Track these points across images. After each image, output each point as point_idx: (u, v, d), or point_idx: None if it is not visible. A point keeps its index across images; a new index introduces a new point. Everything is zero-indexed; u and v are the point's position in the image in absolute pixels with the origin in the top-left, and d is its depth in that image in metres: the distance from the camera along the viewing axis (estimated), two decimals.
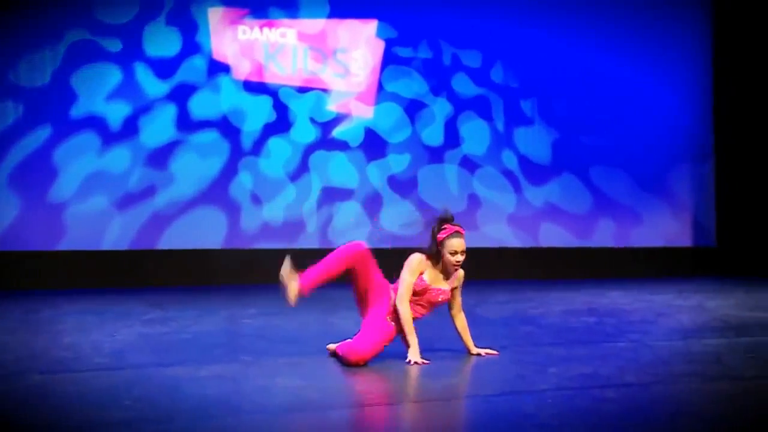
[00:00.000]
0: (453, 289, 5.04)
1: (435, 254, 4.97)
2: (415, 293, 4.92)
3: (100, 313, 6.92)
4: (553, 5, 11.19)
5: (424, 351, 4.75)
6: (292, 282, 4.86)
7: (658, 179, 11.63)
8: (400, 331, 4.90)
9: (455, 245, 4.93)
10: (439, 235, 4.98)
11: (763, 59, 11.29)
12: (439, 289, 4.97)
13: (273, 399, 3.91)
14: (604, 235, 11.46)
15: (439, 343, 5.24)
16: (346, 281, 4.95)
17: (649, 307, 7.56)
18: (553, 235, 11.22)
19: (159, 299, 7.95)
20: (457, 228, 4.99)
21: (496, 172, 10.99)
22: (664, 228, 11.63)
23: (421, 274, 4.95)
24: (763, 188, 11.31)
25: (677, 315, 7.05)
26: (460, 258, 4.94)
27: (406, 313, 4.85)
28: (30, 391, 4.05)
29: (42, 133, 9.12)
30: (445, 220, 5.05)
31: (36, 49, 9.12)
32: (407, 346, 4.84)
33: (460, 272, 5.04)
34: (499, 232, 10.98)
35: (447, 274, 5.00)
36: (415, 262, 4.97)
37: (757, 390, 4.30)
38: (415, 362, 4.77)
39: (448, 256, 4.92)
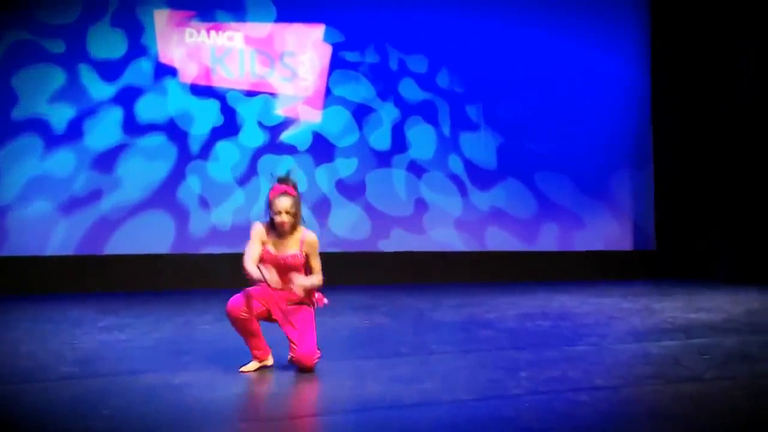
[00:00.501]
0: (307, 255, 4.88)
1: (271, 220, 4.87)
2: (273, 266, 4.76)
3: (54, 321, 6.81)
4: (498, 10, 11.38)
5: (392, 356, 4.81)
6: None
7: (599, 184, 11.88)
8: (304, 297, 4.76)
9: (277, 205, 4.82)
10: (269, 196, 4.93)
11: (700, 66, 11.66)
12: (287, 256, 4.81)
13: (256, 407, 3.93)
14: (548, 239, 11.69)
15: (406, 348, 5.31)
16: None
17: (600, 310, 7.76)
18: (499, 239, 11.41)
19: (111, 305, 7.84)
20: (285, 188, 4.89)
21: (443, 176, 11.12)
22: (605, 232, 11.89)
23: (265, 245, 4.81)
24: (700, 193, 11.69)
25: (628, 318, 7.26)
26: (284, 218, 4.77)
27: (254, 270, 4.61)
28: None
29: None
30: (278, 179, 4.99)
31: None
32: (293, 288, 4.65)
33: (310, 236, 4.91)
34: (446, 237, 11.11)
35: (291, 239, 4.84)
36: (254, 230, 4.87)
37: (719, 390, 4.49)
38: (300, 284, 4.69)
39: (275, 216, 4.83)
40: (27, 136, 9.14)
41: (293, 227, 4.85)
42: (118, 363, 5.06)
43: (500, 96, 11.40)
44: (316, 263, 4.96)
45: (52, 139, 9.26)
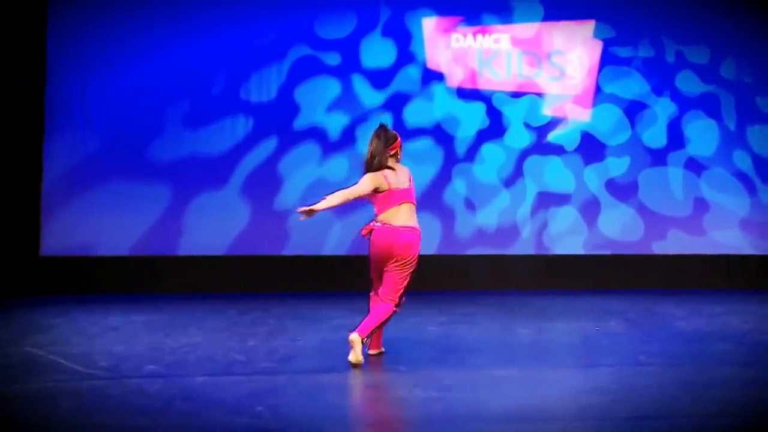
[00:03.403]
0: None
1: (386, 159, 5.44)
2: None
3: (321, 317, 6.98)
4: None
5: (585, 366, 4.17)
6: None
7: None
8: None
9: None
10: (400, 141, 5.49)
11: None
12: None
13: None
14: None
15: (612, 358, 4.60)
16: None
17: None
18: None
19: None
20: None
21: (727, 174, 9.99)
22: None
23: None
24: None
25: None
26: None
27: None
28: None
29: (269, 144, 9.41)
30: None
31: (263, 66, 9.42)
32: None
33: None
34: (730, 239, 9.97)
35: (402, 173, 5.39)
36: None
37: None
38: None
39: (400, 154, 5.53)
40: (307, 143, 9.52)
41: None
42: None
43: None
44: None
45: (329, 146, 9.57)
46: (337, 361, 5.01)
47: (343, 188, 5.47)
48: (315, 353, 5.29)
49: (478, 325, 6.57)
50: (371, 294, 5.43)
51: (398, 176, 5.32)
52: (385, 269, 5.17)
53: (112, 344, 5.61)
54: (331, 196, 5.28)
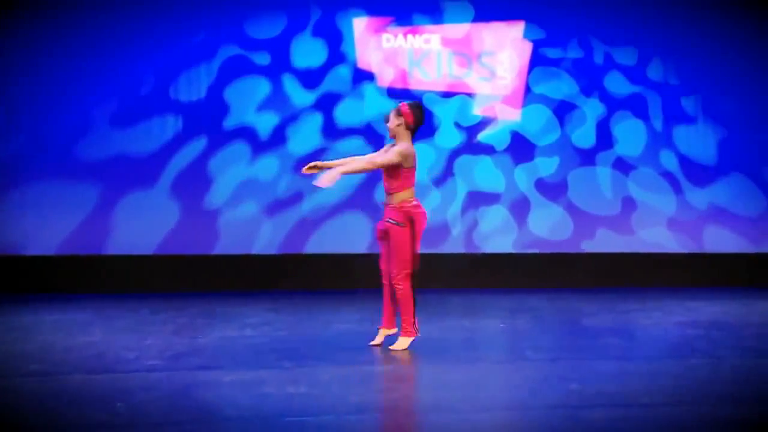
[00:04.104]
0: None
1: None
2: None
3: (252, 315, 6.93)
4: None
5: (471, 361, 4.18)
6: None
7: None
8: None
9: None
10: None
11: None
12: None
13: None
14: None
15: (500, 354, 4.64)
16: None
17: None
18: (720, 240, 10.08)
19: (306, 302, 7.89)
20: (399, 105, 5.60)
21: (654, 173, 10.05)
22: None
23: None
24: None
25: None
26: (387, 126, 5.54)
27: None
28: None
29: (199, 144, 9.34)
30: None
31: (192, 65, 9.36)
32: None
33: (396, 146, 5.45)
34: (657, 237, 10.03)
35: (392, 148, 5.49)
36: None
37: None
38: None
39: None
40: (237, 143, 9.45)
41: (393, 137, 5.51)
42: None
43: (721, 86, 10.07)
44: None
45: (259, 146, 9.50)
46: (224, 359, 4.98)
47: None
48: (208, 352, 5.25)
49: None
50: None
51: (414, 155, 5.50)
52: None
53: (12, 344, 5.55)
54: (353, 159, 5.37)
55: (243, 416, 3.70)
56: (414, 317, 5.32)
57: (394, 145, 5.49)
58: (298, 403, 3.93)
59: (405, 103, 5.65)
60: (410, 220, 5.24)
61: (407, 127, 5.46)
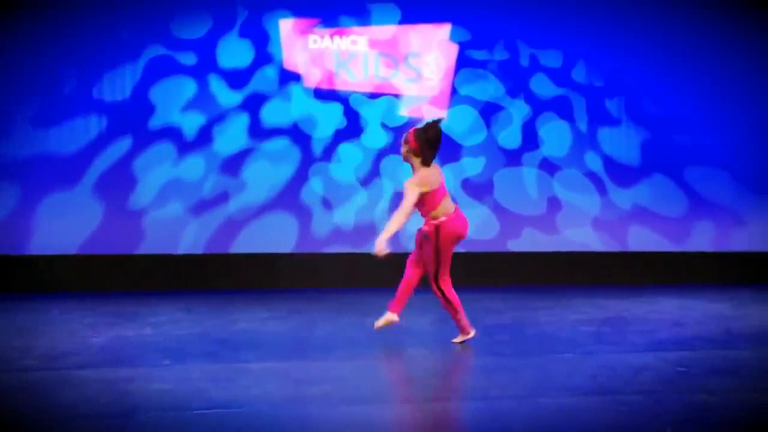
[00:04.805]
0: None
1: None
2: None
3: (195, 312, 6.90)
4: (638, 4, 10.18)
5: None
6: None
7: (761, 180, 10.31)
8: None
9: None
10: None
11: None
12: None
13: None
14: (702, 238, 10.29)
15: (377, 349, 4.63)
16: None
17: (677, 316, 6.53)
18: (643, 239, 10.19)
19: (234, 301, 7.84)
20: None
21: (579, 174, 10.13)
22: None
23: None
24: None
25: (693, 325, 6.01)
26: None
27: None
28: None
29: (123, 144, 9.28)
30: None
31: (116, 65, 9.28)
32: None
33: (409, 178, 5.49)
34: (582, 236, 10.11)
35: None
36: None
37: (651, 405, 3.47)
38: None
39: None
40: (162, 143, 9.38)
41: (407, 161, 5.54)
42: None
43: (644, 89, 10.16)
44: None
45: (184, 146, 9.43)
46: (104, 358, 4.93)
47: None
48: (93, 351, 5.20)
49: (288, 321, 6.55)
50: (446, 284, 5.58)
51: (435, 174, 5.54)
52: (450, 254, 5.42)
53: None
54: (390, 222, 5.41)
55: (94, 414, 3.67)
56: (460, 317, 5.58)
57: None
58: (158, 399, 3.91)
59: (413, 128, 5.66)
60: (436, 230, 5.39)
61: (416, 154, 5.44)
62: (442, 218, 5.39)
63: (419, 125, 5.66)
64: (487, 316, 6.79)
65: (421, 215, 5.53)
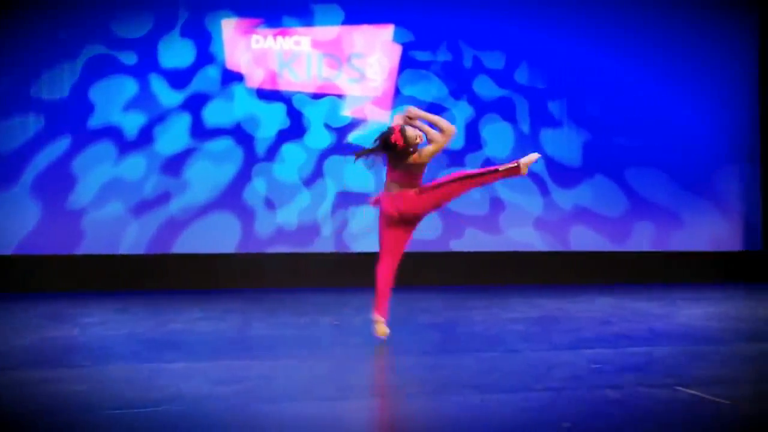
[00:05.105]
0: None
1: None
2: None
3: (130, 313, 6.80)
4: (582, 3, 10.30)
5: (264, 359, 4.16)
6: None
7: (701, 180, 10.44)
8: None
9: None
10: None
11: None
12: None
13: None
14: (642, 238, 10.42)
15: (318, 350, 4.62)
16: None
17: (605, 314, 6.59)
18: (585, 239, 10.30)
19: (175, 302, 7.77)
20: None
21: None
22: (708, 231, 10.41)
23: None
24: None
25: (617, 323, 6.09)
26: None
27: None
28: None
29: (62, 143, 9.16)
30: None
31: (55, 63, 9.17)
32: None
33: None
34: (525, 236, 10.19)
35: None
36: None
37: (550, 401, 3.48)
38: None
39: None
40: (102, 143, 9.29)
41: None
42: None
43: (586, 91, 10.29)
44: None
45: (125, 146, 9.34)
46: (20, 359, 4.86)
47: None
48: (16, 353, 5.12)
49: (220, 322, 6.51)
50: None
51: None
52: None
53: None
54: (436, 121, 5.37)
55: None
56: (376, 302, 5.41)
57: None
58: (70, 401, 3.86)
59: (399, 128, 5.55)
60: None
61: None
62: (380, 194, 5.42)
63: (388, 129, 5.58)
64: (422, 315, 6.82)
65: (402, 186, 5.49)
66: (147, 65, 9.24)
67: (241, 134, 9.44)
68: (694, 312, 6.82)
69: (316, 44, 9.62)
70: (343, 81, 9.65)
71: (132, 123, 9.21)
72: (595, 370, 4.26)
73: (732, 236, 10.25)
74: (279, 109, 9.56)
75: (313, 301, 7.99)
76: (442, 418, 3.47)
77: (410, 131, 5.27)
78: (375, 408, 3.68)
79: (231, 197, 9.39)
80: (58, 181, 9.03)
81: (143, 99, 9.23)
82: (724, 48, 10.30)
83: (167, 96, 9.30)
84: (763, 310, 6.98)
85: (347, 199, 9.63)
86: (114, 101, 9.18)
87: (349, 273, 9.66)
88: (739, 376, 4.27)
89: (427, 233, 9.84)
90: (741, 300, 7.62)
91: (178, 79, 9.32)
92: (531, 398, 3.70)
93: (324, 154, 9.64)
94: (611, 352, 4.85)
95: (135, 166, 9.21)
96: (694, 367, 4.38)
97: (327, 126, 9.64)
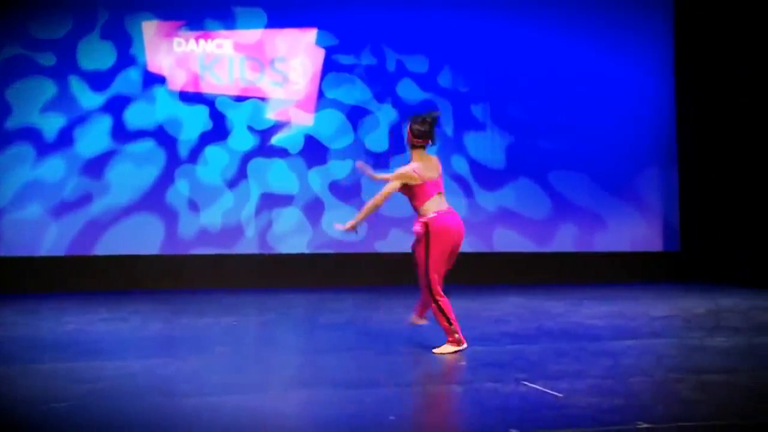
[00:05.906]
0: None
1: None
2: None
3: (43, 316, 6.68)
4: (504, 8, 10.37)
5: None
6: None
7: (621, 183, 10.50)
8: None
9: None
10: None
11: (726, 65, 10.04)
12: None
13: None
14: (565, 240, 10.50)
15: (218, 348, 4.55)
16: None
17: (517, 312, 6.68)
18: (509, 241, 10.35)
19: (97, 303, 7.68)
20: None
21: (445, 177, 10.23)
22: (629, 232, 10.50)
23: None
24: (726, 194, 10.09)
25: (518, 321, 6.15)
26: None
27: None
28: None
29: None
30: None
31: None
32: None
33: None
34: None
35: None
36: None
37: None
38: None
39: None
40: (20, 144, 9.16)
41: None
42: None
43: (509, 95, 10.35)
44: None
45: (44, 147, 9.22)
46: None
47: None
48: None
49: (120, 323, 6.45)
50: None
51: (429, 168, 5.08)
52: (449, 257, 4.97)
53: None
54: (363, 207, 5.16)
55: None
56: (451, 326, 5.01)
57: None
58: None
59: (413, 116, 5.34)
60: (426, 230, 5.00)
61: (413, 145, 5.18)
62: (431, 215, 5.01)
63: (418, 115, 5.31)
64: (324, 314, 6.82)
65: (415, 211, 5.11)
66: (66, 67, 9.15)
67: (163, 136, 9.38)
68: (592, 311, 6.89)
69: (238, 47, 9.59)
70: (266, 84, 9.63)
71: (51, 125, 9.10)
72: (457, 367, 4.27)
73: (652, 237, 10.36)
74: (202, 111, 9.51)
75: (227, 302, 7.95)
76: (299, 410, 3.45)
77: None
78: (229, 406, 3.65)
79: (154, 199, 9.32)
80: None
81: (62, 101, 9.12)
82: (643, 51, 10.41)
83: (87, 98, 9.22)
84: (658, 309, 7.06)
85: (271, 200, 9.60)
86: (32, 103, 9.07)
87: (272, 274, 9.63)
88: (586, 371, 4.31)
89: (351, 234, 9.81)
90: (647, 299, 7.71)
91: (98, 80, 9.24)
92: (376, 394, 3.71)
93: (247, 156, 9.60)
94: (487, 350, 4.87)
95: (54, 167, 9.11)
96: (552, 363, 4.42)
97: (250, 128, 9.61)
